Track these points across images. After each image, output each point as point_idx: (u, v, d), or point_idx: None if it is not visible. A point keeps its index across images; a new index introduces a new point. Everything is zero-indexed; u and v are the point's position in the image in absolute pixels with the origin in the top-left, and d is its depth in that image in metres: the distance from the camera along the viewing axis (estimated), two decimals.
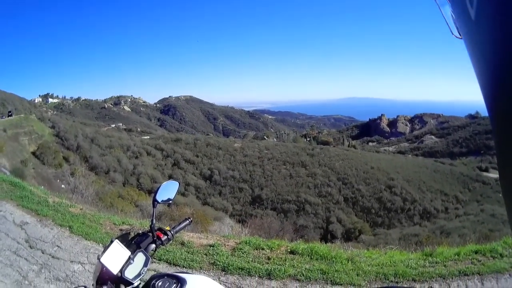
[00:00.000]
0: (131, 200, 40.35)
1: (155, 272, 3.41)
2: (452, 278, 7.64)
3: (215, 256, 8.03)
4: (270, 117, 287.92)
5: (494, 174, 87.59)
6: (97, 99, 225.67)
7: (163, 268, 7.60)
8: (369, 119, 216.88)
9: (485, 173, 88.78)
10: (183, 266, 7.69)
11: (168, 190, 3.38)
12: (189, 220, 3.59)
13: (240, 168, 66.23)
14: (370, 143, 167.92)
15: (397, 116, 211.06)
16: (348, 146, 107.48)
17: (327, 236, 47.28)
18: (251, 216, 43.00)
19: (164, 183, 3.37)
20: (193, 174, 65.58)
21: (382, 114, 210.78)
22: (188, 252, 8.23)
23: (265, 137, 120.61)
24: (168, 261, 7.86)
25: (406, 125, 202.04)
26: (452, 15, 1.35)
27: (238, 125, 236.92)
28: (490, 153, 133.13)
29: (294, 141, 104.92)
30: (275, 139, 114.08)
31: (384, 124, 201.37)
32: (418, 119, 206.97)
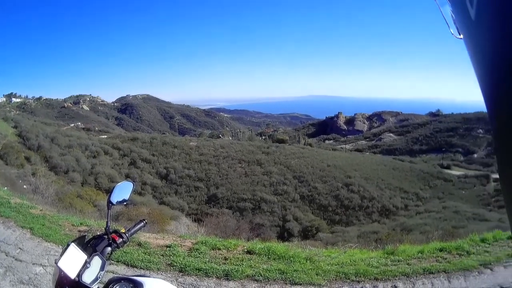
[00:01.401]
0: (90, 200, 40.07)
1: (114, 275, 3.37)
2: (416, 276, 7.66)
3: (172, 257, 8.00)
4: (226, 115, 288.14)
5: (456, 171, 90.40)
6: (57, 99, 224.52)
7: (122, 270, 7.53)
8: (326, 117, 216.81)
9: (447, 170, 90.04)
10: (141, 268, 7.66)
11: (123, 191, 3.35)
12: (144, 222, 3.58)
13: (196, 167, 65.76)
14: (327, 141, 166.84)
15: (355, 114, 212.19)
16: (304, 144, 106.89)
17: (284, 234, 47.04)
18: (207, 215, 43.32)
19: (118, 184, 3.36)
20: (150, 173, 65.10)
21: (339, 112, 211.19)
22: (145, 253, 8.19)
23: (220, 135, 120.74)
24: (126, 262, 7.79)
25: (364, 122, 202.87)
26: (452, 15, 1.35)
27: (194, 124, 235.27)
28: (452, 150, 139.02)
29: (249, 139, 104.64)
30: (230, 138, 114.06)
31: (341, 122, 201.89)
32: (376, 117, 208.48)
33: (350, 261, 8.08)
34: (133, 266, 7.67)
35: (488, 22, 1.06)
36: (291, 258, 7.98)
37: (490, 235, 10.39)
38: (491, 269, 8.19)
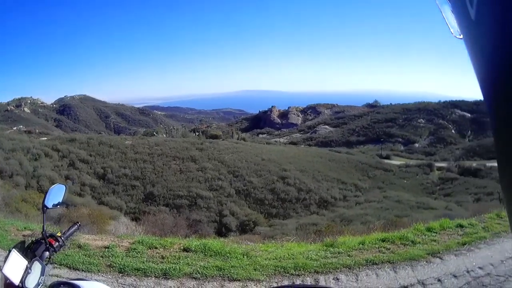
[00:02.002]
0: (33, 203, 39.33)
1: (58, 279, 3.33)
2: (359, 268, 7.69)
3: (111, 258, 7.89)
4: (160, 113, 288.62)
5: (396, 161, 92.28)
6: (1, 102, 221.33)
7: (65, 273, 7.34)
8: (260, 111, 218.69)
9: (386, 161, 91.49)
10: (83, 270, 7.50)
11: (56, 194, 3.36)
12: (78, 224, 3.57)
13: (132, 166, 65.21)
14: (261, 135, 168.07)
15: (289, 107, 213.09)
16: (238, 139, 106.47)
17: (222, 230, 47.16)
18: (145, 213, 43.85)
19: (51, 187, 3.36)
20: (88, 173, 64.18)
21: (273, 106, 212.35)
22: (86, 255, 8.03)
23: (155, 133, 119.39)
24: (69, 266, 7.63)
25: (298, 116, 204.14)
26: (452, 15, 1.30)
27: (129, 122, 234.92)
28: (392, 140, 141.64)
29: (183, 136, 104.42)
30: (165, 135, 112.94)
31: (275, 115, 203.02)
32: (311, 110, 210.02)
33: (288, 254, 8.08)
34: (75, 269, 7.54)
35: (488, 22, 1.04)
36: (228, 254, 8.00)
37: (436, 223, 10.48)
38: (441, 258, 8.26)
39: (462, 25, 1.21)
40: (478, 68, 1.16)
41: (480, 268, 7.94)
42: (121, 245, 8.50)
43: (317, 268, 7.50)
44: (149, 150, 70.53)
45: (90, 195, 56.74)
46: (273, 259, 7.81)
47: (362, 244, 8.79)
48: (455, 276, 7.54)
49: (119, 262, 7.59)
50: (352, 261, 7.82)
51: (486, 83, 1.15)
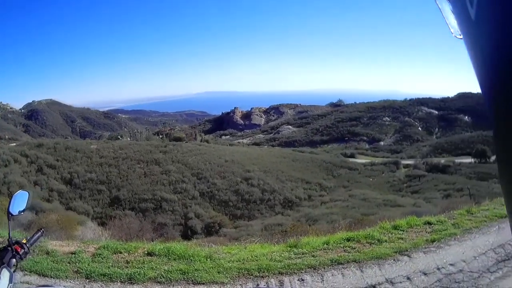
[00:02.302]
0: (4, 210, 39.22)
1: (29, 285, 3.29)
2: (324, 268, 7.66)
3: (77, 263, 7.79)
4: (123, 116, 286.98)
5: (361, 160, 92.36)
6: None
7: (35, 280, 7.15)
8: (222, 112, 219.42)
9: (351, 159, 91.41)
10: (51, 277, 7.35)
11: (21, 200, 3.33)
12: (42, 231, 3.58)
13: (97, 170, 64.63)
14: (224, 137, 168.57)
15: (252, 108, 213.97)
16: (201, 141, 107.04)
17: (188, 232, 46.71)
18: (111, 217, 43.04)
19: (15, 194, 3.33)
20: (55, 179, 63.48)
21: (235, 107, 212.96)
22: (54, 262, 7.90)
23: (119, 136, 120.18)
24: (38, 272, 7.45)
25: (261, 116, 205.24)
26: (452, 15, 1.33)
27: (94, 126, 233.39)
28: (356, 139, 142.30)
29: (147, 139, 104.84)
30: (129, 139, 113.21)
31: (237, 117, 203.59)
32: (274, 110, 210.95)
33: (252, 256, 8.07)
34: (44, 275, 7.38)
35: (488, 22, 1.05)
36: (191, 257, 7.98)
37: (403, 221, 10.52)
38: (409, 256, 8.31)
39: (462, 25, 1.21)
40: (478, 68, 1.18)
41: (451, 265, 7.99)
42: (87, 251, 8.44)
43: (281, 269, 7.50)
44: (114, 154, 70.24)
45: (58, 201, 56.34)
46: (237, 261, 7.82)
47: (327, 244, 8.81)
48: (425, 274, 7.58)
49: (85, 268, 7.54)
50: (316, 261, 7.82)
51: (486, 83, 1.17)
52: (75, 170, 65.12)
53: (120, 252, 8.24)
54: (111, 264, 7.72)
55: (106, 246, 8.52)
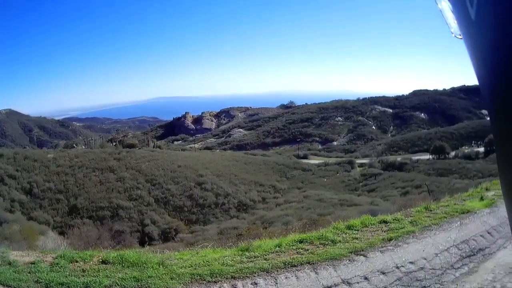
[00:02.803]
0: None
1: None
2: (277, 271, 7.62)
3: (37, 273, 7.64)
4: (78, 124, 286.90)
5: (315, 160, 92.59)
6: None
7: None
8: (174, 118, 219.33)
9: (304, 160, 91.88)
10: (14, 287, 7.27)
11: None
12: None
13: (55, 179, 63.64)
14: (176, 142, 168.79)
15: (202, 113, 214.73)
16: (154, 147, 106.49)
17: (145, 239, 46.37)
18: (70, 227, 43.38)
19: None
20: (16, 189, 62.57)
21: (186, 112, 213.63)
22: (15, 272, 7.77)
23: (74, 145, 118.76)
24: (2, 282, 7.39)
25: (212, 120, 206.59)
26: (452, 15, 1.36)
27: (50, 135, 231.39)
28: (308, 140, 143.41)
29: (101, 146, 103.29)
30: (84, 147, 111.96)
31: (189, 121, 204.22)
32: (225, 114, 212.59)
33: (204, 261, 8.03)
34: (8, 285, 7.31)
35: (488, 22, 1.07)
36: (144, 264, 7.91)
37: (357, 221, 10.49)
38: (365, 256, 8.28)
39: (462, 25, 1.24)
40: (478, 68, 1.21)
41: (411, 263, 8.01)
42: (46, 260, 8.31)
43: (233, 274, 7.46)
44: (70, 162, 69.41)
45: (19, 211, 55.49)
46: (189, 267, 7.78)
47: (279, 247, 8.76)
48: (383, 273, 7.57)
49: (44, 278, 7.43)
50: (269, 264, 7.78)
51: (486, 83, 1.19)
52: (34, 180, 64.20)
53: (76, 261, 8.17)
54: (68, 273, 7.63)
55: (63, 255, 8.43)
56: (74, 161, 69.48)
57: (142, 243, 37.25)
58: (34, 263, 8.04)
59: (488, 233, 9.87)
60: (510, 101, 1.04)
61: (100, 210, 55.30)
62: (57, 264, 7.95)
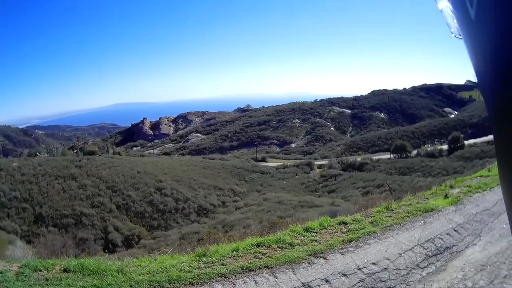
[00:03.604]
0: None
1: None
2: (235, 276, 7.57)
3: (4, 282, 7.51)
4: (40, 132, 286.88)
5: (273, 163, 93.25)
6: None
7: None
8: (132, 124, 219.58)
9: (263, 163, 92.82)
10: None
11: None
12: None
13: (20, 188, 63.00)
14: (134, 148, 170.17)
15: (160, 118, 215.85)
16: (113, 153, 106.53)
17: (109, 246, 46.39)
18: (37, 235, 44.29)
19: None
20: None
21: (144, 118, 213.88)
22: None
23: (37, 153, 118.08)
24: None
25: (170, 126, 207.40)
26: (452, 15, 1.36)
27: (15, 144, 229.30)
28: (266, 143, 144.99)
29: (63, 154, 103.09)
30: (46, 155, 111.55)
31: (147, 127, 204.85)
32: (182, 119, 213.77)
33: (161, 268, 7.98)
34: None
35: (488, 22, 1.08)
36: (104, 272, 7.84)
37: (315, 223, 10.39)
38: (325, 258, 8.20)
39: (462, 25, 1.23)
40: (478, 68, 1.21)
41: (374, 264, 7.97)
42: (12, 270, 8.12)
43: (191, 280, 7.41)
44: (34, 171, 68.68)
45: None
46: (147, 274, 7.73)
47: (236, 251, 8.69)
48: (345, 275, 7.51)
49: (11, 287, 7.31)
50: (227, 269, 7.74)
51: (486, 83, 1.20)
52: (0, 189, 63.64)
53: (40, 270, 8.03)
54: (32, 282, 7.52)
55: (27, 264, 8.28)
56: (37, 169, 68.95)
57: (106, 250, 36.99)
58: (1, 273, 7.89)
59: (455, 230, 9.88)
60: (510, 101, 1.04)
61: (64, 218, 54.95)
62: (22, 273, 7.84)
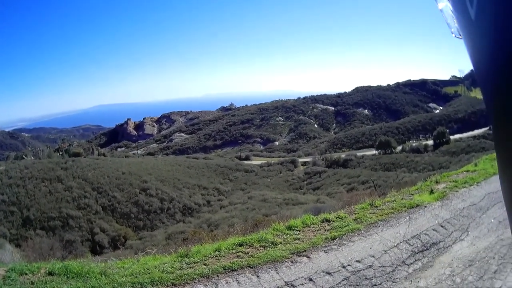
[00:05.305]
0: None
1: None
2: (217, 276, 7.55)
3: None
4: (26, 135, 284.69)
5: (256, 161, 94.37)
6: None
7: None
8: (116, 125, 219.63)
9: (246, 162, 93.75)
10: None
11: None
12: None
13: (8, 191, 62.79)
14: (119, 149, 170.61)
15: (144, 118, 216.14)
16: (98, 154, 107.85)
17: (96, 247, 46.86)
18: (25, 238, 43.67)
19: None
20: None
21: (128, 118, 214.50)
22: None
23: (24, 156, 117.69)
24: None
25: (153, 126, 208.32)
26: (452, 15, 1.36)
27: (2, 147, 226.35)
28: (250, 141, 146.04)
29: (49, 156, 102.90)
30: (32, 157, 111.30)
31: (130, 128, 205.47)
32: (165, 119, 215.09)
33: (144, 269, 7.93)
34: None
35: (488, 22, 1.08)
36: (87, 275, 7.77)
37: (298, 221, 10.29)
38: (308, 257, 8.15)
39: (462, 25, 1.24)
40: (478, 68, 1.21)
41: (358, 261, 7.93)
42: None
43: (174, 281, 7.37)
44: (21, 174, 68.43)
45: None
46: (130, 276, 7.67)
47: (218, 251, 8.65)
48: (328, 273, 7.46)
49: None
50: (209, 270, 7.70)
51: (486, 83, 1.20)
52: None
53: (26, 274, 7.94)
54: (19, 285, 7.46)
55: (13, 268, 8.18)
56: (24, 172, 68.65)
57: (93, 252, 37.69)
58: None
59: (441, 226, 9.84)
60: (510, 101, 1.04)
61: (51, 220, 54.87)
62: (9, 277, 7.77)
